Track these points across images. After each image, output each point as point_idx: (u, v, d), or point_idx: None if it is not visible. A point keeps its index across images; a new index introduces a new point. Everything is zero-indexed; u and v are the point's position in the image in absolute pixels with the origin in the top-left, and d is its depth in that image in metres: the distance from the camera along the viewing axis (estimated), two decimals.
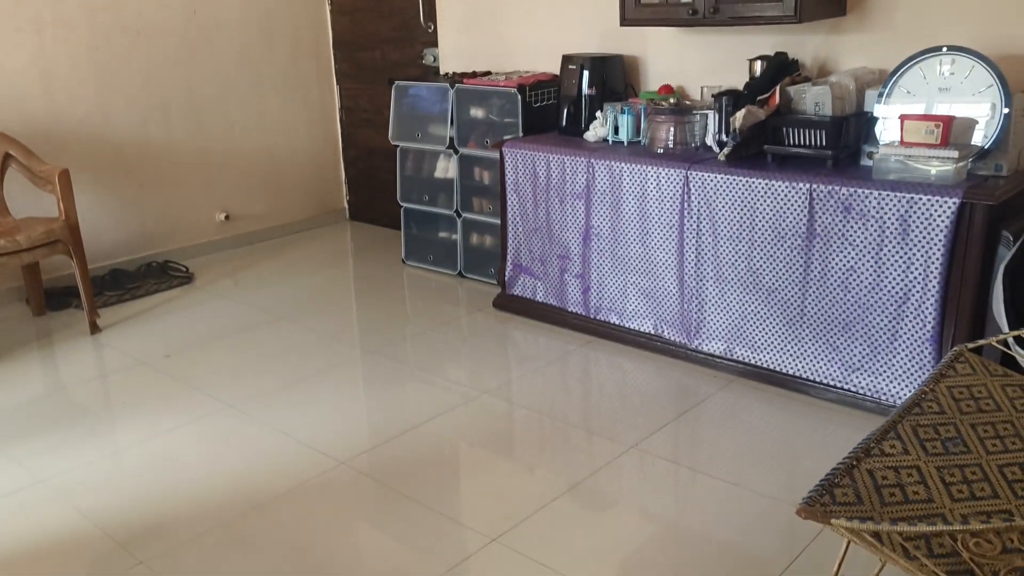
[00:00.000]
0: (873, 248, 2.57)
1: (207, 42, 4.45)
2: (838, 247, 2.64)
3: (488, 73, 4.06)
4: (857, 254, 2.61)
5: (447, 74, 4.19)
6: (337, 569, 2.03)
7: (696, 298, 3.02)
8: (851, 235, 2.61)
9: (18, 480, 2.44)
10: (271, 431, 2.68)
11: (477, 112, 3.91)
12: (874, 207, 2.54)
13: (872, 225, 2.56)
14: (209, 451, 2.58)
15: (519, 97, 3.69)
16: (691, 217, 2.96)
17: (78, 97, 4.01)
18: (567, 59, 3.61)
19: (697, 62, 3.47)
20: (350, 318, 3.74)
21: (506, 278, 3.64)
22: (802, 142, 2.81)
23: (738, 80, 3.28)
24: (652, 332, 3.18)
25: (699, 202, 2.93)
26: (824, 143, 2.76)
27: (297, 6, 4.81)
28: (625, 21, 3.27)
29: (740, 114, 2.87)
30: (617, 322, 3.28)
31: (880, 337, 2.62)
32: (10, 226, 3.44)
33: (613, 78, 3.60)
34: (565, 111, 3.61)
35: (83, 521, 2.23)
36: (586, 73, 3.54)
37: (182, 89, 4.39)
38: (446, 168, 4.08)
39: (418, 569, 2.01)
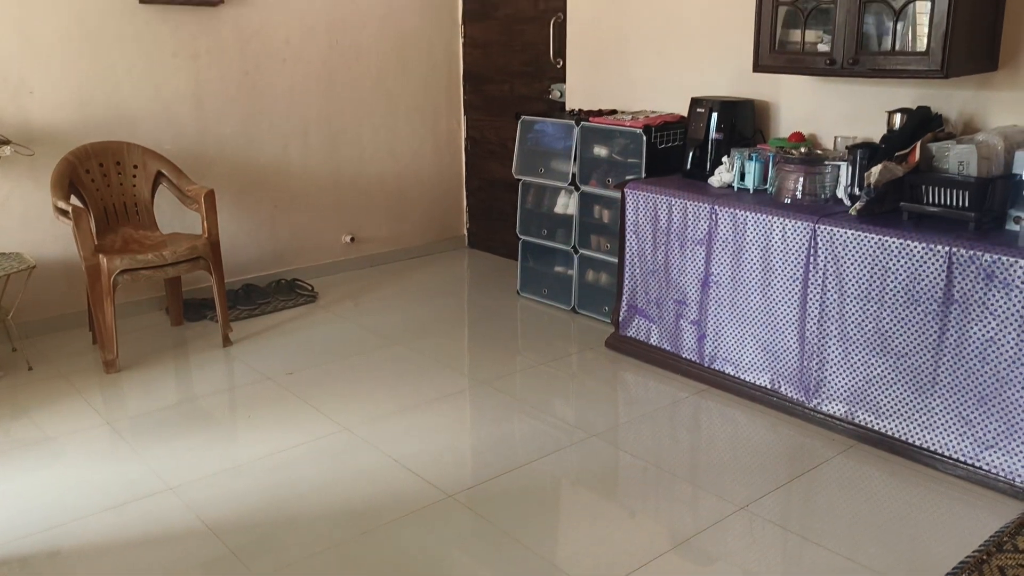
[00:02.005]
0: (1016, 320, 2.42)
1: (347, 69, 4.66)
2: (977, 316, 2.50)
3: (614, 111, 4.07)
4: (998, 325, 2.46)
5: (573, 111, 4.23)
6: None
7: (817, 355, 2.92)
8: (992, 304, 2.47)
9: (150, 485, 2.60)
10: (383, 457, 2.76)
11: (601, 150, 3.92)
12: (1019, 277, 2.40)
13: (1016, 296, 2.41)
14: (324, 472, 2.68)
15: (644, 138, 3.68)
16: (817, 272, 2.88)
17: (226, 120, 4.27)
18: (695, 102, 3.58)
19: (832, 111, 3.38)
20: (463, 347, 3.80)
21: (620, 319, 3.63)
22: (942, 202, 2.68)
23: (875, 132, 3.17)
24: (768, 386, 3.10)
25: (826, 257, 2.84)
26: (967, 204, 2.62)
27: (432, 38, 4.97)
28: (759, 67, 3.22)
29: (876, 169, 2.77)
30: (732, 373, 3.21)
31: (1018, 414, 2.45)
32: (158, 240, 3.69)
33: (742, 123, 3.55)
34: (690, 154, 3.57)
35: (205, 531, 2.36)
36: (714, 116, 3.50)
37: (321, 114, 4.61)
38: (566, 204, 4.11)
39: None
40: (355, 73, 4.70)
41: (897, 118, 3.00)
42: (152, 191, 3.83)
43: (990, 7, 2.83)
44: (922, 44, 2.78)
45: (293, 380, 3.37)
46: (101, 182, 3.70)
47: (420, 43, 4.93)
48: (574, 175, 3.99)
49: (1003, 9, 2.85)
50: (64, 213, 3.39)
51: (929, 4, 2.72)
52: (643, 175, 3.68)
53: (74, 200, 3.57)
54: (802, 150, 3.19)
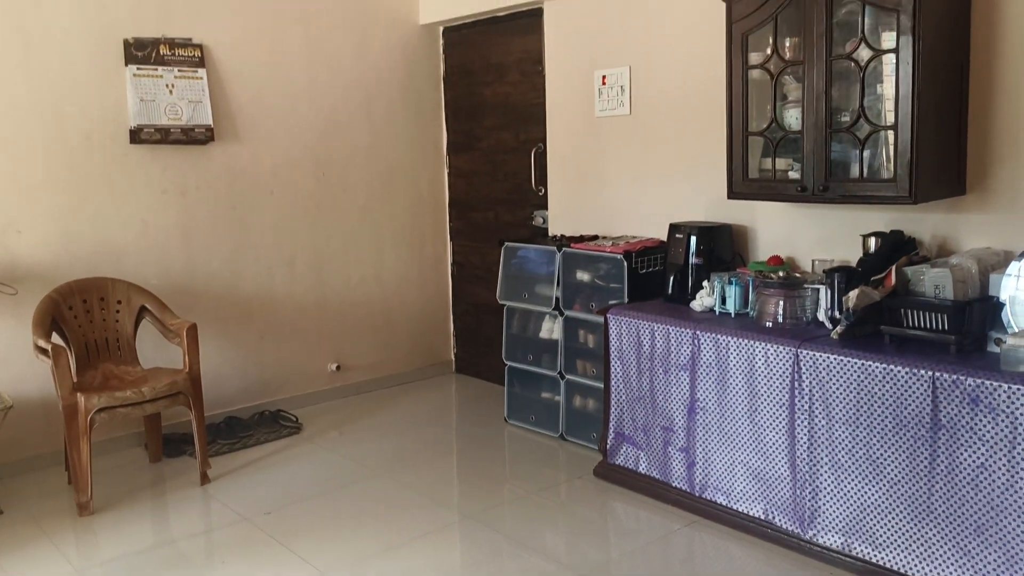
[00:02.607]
0: (1005, 445, 2.38)
1: (333, 200, 4.74)
2: (966, 441, 2.45)
3: (595, 237, 4.13)
4: (988, 450, 2.41)
5: (555, 236, 4.29)
6: None
7: (810, 484, 2.85)
8: (980, 429, 2.42)
9: None
10: None
11: (583, 275, 3.95)
12: (1004, 401, 2.37)
13: (1003, 420, 2.37)
14: None
15: (625, 263, 3.71)
16: (802, 396, 2.84)
17: (213, 253, 4.31)
18: (674, 227, 3.64)
19: (808, 234, 3.43)
20: (450, 478, 3.71)
21: (608, 446, 3.56)
22: (922, 325, 2.68)
23: (851, 254, 3.21)
24: (762, 517, 3.00)
25: (811, 381, 2.81)
26: (946, 328, 2.62)
27: (418, 169, 5.10)
28: (733, 195, 3.29)
29: (853, 294, 2.78)
30: (724, 503, 3.12)
31: (1017, 545, 2.37)
32: (138, 376, 3.65)
33: (721, 247, 3.59)
34: (671, 279, 3.60)
35: None
36: (693, 241, 3.54)
37: (308, 244, 4.66)
38: (551, 329, 4.10)
39: None
40: (341, 203, 4.79)
41: (872, 241, 3.04)
42: (135, 325, 3.82)
43: (953, 135, 2.92)
44: (889, 171, 2.84)
45: (271, 520, 3.26)
46: (84, 318, 3.70)
47: (406, 173, 5.05)
48: (558, 300, 4.01)
49: (966, 136, 2.94)
50: (44, 352, 3.36)
51: (893, 133, 2.80)
52: (625, 300, 3.69)
53: (55, 338, 3.55)
54: (781, 274, 3.21)
